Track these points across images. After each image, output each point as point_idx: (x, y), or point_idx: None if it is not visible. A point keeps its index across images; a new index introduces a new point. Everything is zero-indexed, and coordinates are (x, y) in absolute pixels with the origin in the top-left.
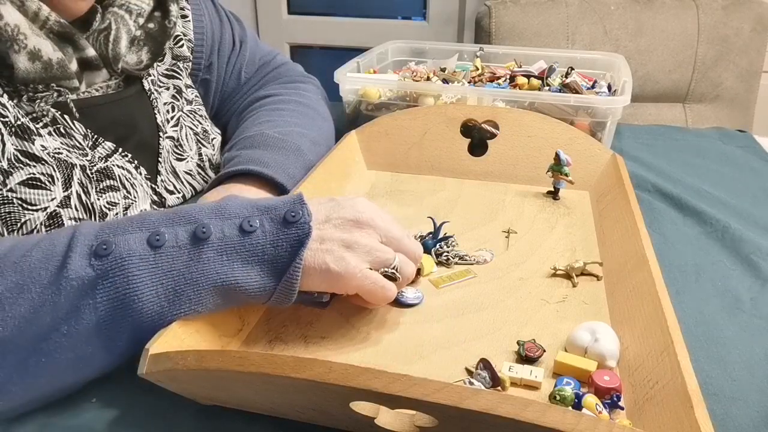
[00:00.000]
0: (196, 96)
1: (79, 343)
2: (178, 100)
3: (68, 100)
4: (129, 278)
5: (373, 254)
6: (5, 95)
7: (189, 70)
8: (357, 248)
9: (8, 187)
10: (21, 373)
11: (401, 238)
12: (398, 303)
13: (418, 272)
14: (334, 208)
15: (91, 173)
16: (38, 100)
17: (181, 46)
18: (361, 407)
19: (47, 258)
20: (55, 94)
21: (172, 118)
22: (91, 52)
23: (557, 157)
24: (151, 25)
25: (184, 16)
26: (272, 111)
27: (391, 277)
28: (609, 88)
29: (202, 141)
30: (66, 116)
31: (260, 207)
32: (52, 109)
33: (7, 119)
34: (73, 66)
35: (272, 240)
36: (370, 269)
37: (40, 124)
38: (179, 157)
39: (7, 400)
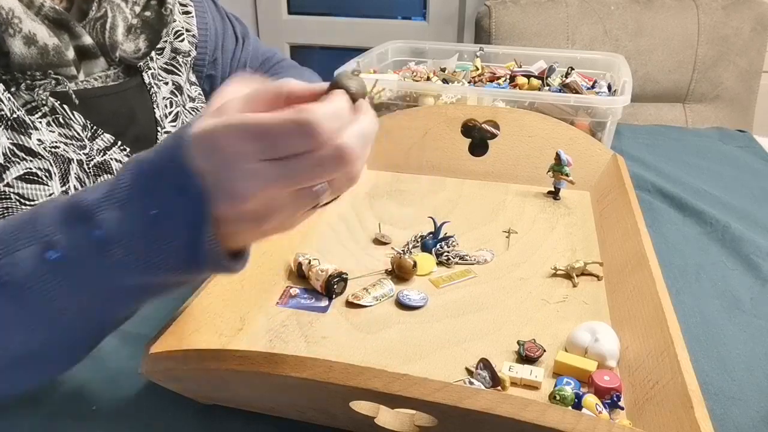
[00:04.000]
0: (199, 93)
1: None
2: (177, 96)
3: (68, 89)
4: (40, 302)
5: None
6: (2, 85)
7: (190, 65)
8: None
9: (5, 182)
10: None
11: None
12: (403, 305)
13: (414, 268)
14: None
15: (89, 168)
16: (36, 89)
17: (182, 40)
18: (361, 407)
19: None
20: (54, 82)
21: (170, 113)
22: (87, 39)
23: (558, 157)
24: (147, 14)
25: (186, 12)
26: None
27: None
28: (609, 88)
29: None
30: (65, 106)
31: (149, 186)
32: (51, 98)
33: (2, 112)
34: (70, 54)
35: (183, 221)
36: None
37: (38, 114)
38: None
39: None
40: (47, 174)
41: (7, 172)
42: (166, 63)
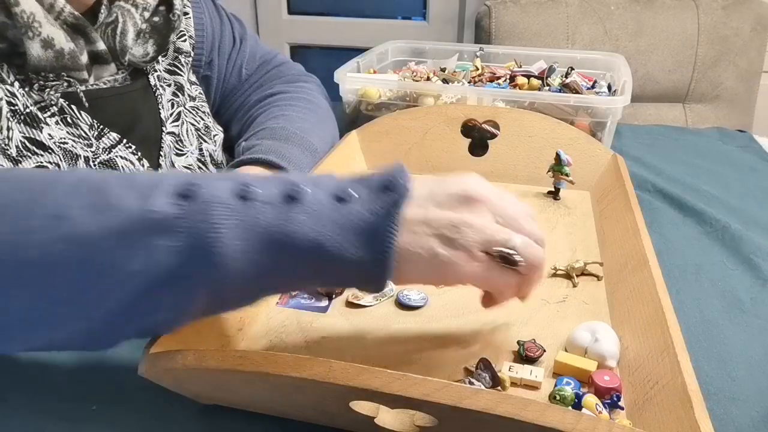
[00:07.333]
0: (199, 93)
1: (149, 285)
2: (179, 97)
3: (78, 91)
4: (213, 225)
5: (487, 234)
6: (16, 83)
7: (190, 65)
8: (467, 229)
9: None
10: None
11: (521, 218)
12: (403, 305)
13: None
14: (438, 183)
15: (95, 165)
16: (48, 89)
17: (184, 40)
18: (361, 407)
19: (128, 186)
20: (65, 84)
21: (172, 114)
22: (101, 46)
23: (558, 157)
24: (156, 19)
25: (184, 13)
26: (286, 107)
27: (510, 261)
28: (609, 88)
29: (204, 137)
30: (73, 106)
31: (356, 178)
32: (61, 99)
33: (16, 107)
34: (84, 58)
35: (369, 207)
36: (486, 253)
37: (48, 113)
38: (179, 152)
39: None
40: (57, 168)
41: (20, 165)
42: (169, 64)
